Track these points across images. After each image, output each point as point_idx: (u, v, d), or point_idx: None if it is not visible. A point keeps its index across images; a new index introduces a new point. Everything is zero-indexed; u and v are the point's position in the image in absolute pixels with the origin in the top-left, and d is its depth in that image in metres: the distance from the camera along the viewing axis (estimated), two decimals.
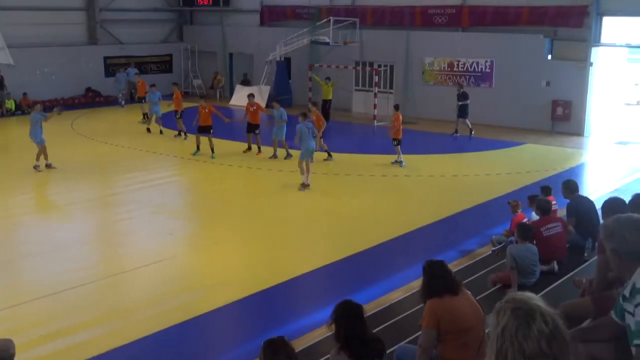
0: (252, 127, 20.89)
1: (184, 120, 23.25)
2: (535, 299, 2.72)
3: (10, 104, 28.47)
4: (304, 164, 16.76)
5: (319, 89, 27.72)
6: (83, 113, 29.04)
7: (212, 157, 20.28)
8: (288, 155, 20.10)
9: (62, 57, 30.86)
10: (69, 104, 30.49)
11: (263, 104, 28.58)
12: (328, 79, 27.12)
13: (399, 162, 19.28)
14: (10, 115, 28.22)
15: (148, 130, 24.55)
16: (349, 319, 5.45)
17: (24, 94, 28.78)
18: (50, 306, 10.24)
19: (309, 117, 18.03)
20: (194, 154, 20.71)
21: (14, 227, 14.52)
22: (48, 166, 18.71)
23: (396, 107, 19.90)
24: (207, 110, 20.79)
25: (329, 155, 19.94)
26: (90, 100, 31.63)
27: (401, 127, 19.16)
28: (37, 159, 18.63)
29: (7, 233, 14.23)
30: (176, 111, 23.60)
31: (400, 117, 19.42)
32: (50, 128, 24.84)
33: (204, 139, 20.54)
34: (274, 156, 20.23)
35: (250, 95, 21.58)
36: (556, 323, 2.64)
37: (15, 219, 14.98)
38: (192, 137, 21.62)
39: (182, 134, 23.35)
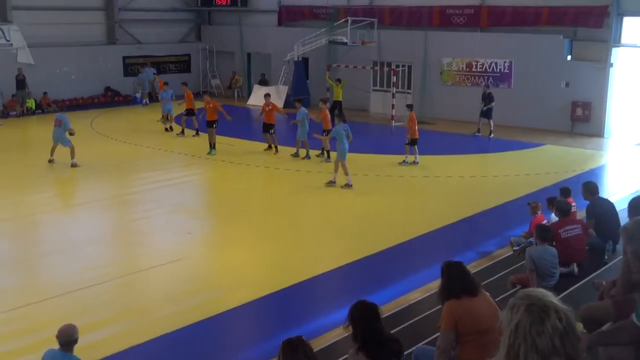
0: (267, 127, 20.99)
1: (196, 118, 23.57)
2: (549, 295, 2.70)
3: (30, 103, 28.70)
4: (340, 164, 16.86)
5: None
6: (102, 112, 29.22)
7: (212, 154, 20.62)
8: (307, 156, 20.15)
9: (82, 57, 31.07)
10: (88, 103, 30.72)
11: (281, 104, 28.77)
12: (339, 80, 27.19)
13: (409, 163, 19.35)
14: (31, 114, 28.43)
15: (168, 129, 24.65)
16: (365, 320, 5.43)
17: (44, 93, 29.00)
18: (68, 304, 10.28)
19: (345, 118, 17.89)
20: (210, 149, 21.07)
21: (32, 225, 14.62)
22: (73, 165, 19.03)
23: (410, 107, 19.92)
24: (211, 105, 21.23)
25: (328, 156, 19.96)
26: (109, 99, 31.81)
27: (416, 127, 19.24)
28: (73, 156, 19.07)
29: (25, 231, 14.34)
30: (189, 109, 23.91)
31: (414, 116, 19.51)
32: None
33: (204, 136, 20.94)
34: (296, 154, 20.32)
35: (267, 95, 21.75)
36: (569, 320, 2.63)
37: (34, 217, 15.09)
38: (204, 136, 21.73)
39: (195, 131, 23.58)
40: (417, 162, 19.34)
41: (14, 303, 10.27)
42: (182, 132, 23.91)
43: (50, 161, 19.25)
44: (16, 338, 9.22)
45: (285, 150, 20.71)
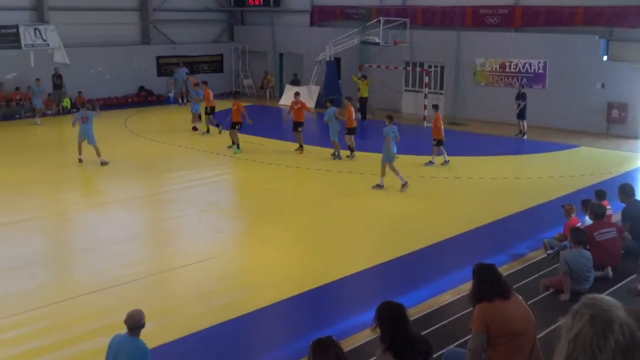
0: (296, 125, 21.15)
1: (214, 116, 24.24)
2: (616, 307, 2.56)
3: (66, 102, 29.13)
4: (383, 165, 16.72)
5: (368, 88, 27.85)
6: (135, 112, 29.55)
7: (237, 152, 21.07)
8: (337, 156, 20.16)
9: (116, 57, 31.45)
10: (122, 103, 31.09)
11: (312, 104, 28.89)
12: (364, 77, 27.29)
13: (436, 164, 19.34)
14: (66, 113, 28.84)
15: (195, 128, 24.87)
16: (392, 320, 5.40)
17: (79, 92, 29.40)
18: (100, 301, 10.40)
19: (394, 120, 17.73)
20: (230, 147, 21.53)
21: (66, 222, 14.84)
22: (102, 162, 19.31)
23: (436, 107, 19.90)
24: (235, 107, 21.65)
25: (352, 152, 20.38)
26: (143, 99, 32.14)
27: (442, 128, 19.33)
28: (99, 155, 19.29)
29: (60, 229, 14.57)
30: (206, 107, 24.34)
31: (440, 117, 19.58)
32: (104, 126, 25.37)
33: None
34: (337, 156, 20.34)
35: (297, 94, 22.07)
36: (633, 335, 2.50)
37: (68, 214, 15.30)
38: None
39: (218, 127, 24.10)
40: (448, 162, 19.33)
41: (49, 299, 10.42)
42: (207, 131, 24.28)
43: (80, 160, 19.46)
44: (50, 334, 9.35)
45: (315, 150, 20.70)
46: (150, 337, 9.12)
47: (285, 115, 21.66)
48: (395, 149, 16.76)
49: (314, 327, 9.37)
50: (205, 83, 25.81)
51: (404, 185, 16.60)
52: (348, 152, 20.45)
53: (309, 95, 30.39)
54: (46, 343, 9.03)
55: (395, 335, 5.34)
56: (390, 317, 5.42)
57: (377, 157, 20.43)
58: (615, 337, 2.46)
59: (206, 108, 24.35)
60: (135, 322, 6.53)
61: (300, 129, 21.08)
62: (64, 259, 12.70)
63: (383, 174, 16.75)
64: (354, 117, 20.62)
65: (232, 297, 10.62)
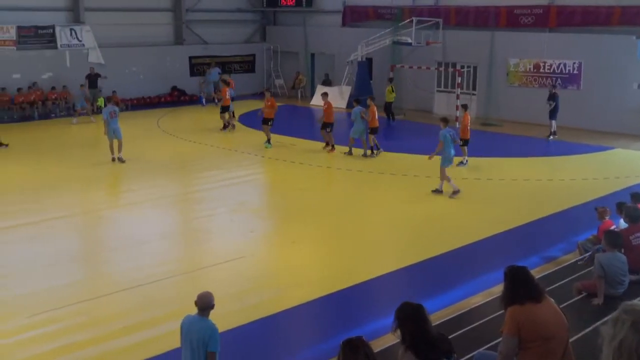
0: (325, 125, 21.38)
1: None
2: None
3: (100, 102, 29.45)
4: (446, 171, 16.28)
5: (399, 89, 27.85)
6: (168, 111, 29.80)
7: (268, 146, 21.60)
8: (363, 154, 20.52)
9: (150, 57, 31.78)
10: (155, 102, 31.38)
11: (344, 105, 28.94)
12: (390, 80, 27.28)
13: (463, 163, 19.23)
14: (100, 112, 29.13)
15: (229, 126, 25.10)
16: (411, 321, 5.36)
17: (113, 92, 29.71)
18: (132, 299, 10.52)
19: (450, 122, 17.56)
20: (265, 142, 21.87)
21: (99, 221, 15.02)
22: (120, 159, 19.62)
23: (464, 107, 19.78)
24: (269, 104, 22.00)
25: (378, 149, 20.63)
26: (176, 98, 32.40)
27: (468, 127, 19.30)
28: (120, 151, 19.58)
29: (93, 226, 14.75)
30: (223, 106, 25.07)
31: (469, 117, 19.55)
32: (137, 125, 25.70)
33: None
34: (364, 154, 20.62)
35: (324, 94, 22.33)
36: None
37: (101, 212, 15.49)
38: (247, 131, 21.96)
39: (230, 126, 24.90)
40: (465, 163, 19.28)
41: (81, 296, 10.56)
42: (224, 127, 24.90)
43: (114, 159, 19.67)
44: (82, 330, 9.46)
45: (346, 150, 20.70)
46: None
47: (320, 118, 21.71)
48: (453, 152, 16.39)
49: (343, 327, 9.35)
50: (224, 81, 26.53)
51: (438, 191, 16.31)
52: (370, 152, 20.60)
53: (341, 95, 30.39)
54: (78, 340, 9.14)
55: (415, 335, 5.31)
56: (410, 318, 5.38)
57: (405, 157, 20.51)
58: None
59: (222, 107, 25.05)
60: (204, 304, 6.94)
61: (329, 129, 21.10)
62: (96, 256, 12.85)
63: (442, 178, 16.32)
64: (376, 116, 20.70)
65: (262, 297, 10.66)
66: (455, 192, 16.12)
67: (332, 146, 21.17)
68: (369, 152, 20.58)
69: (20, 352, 8.81)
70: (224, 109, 24.89)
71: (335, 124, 21.67)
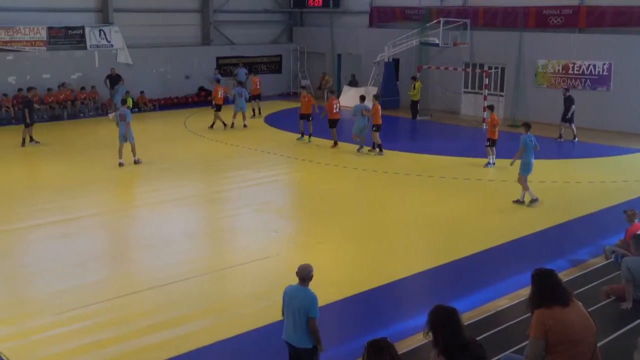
0: (332, 123, 22.12)
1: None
2: None
3: (128, 102, 29.73)
4: (524, 178, 15.51)
5: (426, 90, 27.81)
6: (195, 111, 29.96)
7: (309, 141, 22.52)
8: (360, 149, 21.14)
9: (177, 57, 32.01)
10: (182, 103, 31.58)
11: (370, 105, 28.97)
12: (414, 78, 27.28)
13: (490, 164, 19.22)
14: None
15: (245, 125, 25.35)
16: (445, 325, 5.32)
17: (141, 92, 30.02)
18: (158, 297, 10.59)
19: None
20: (299, 139, 22.84)
21: (127, 219, 15.16)
22: (135, 162, 19.64)
23: (491, 108, 19.70)
24: (306, 99, 22.74)
25: (380, 151, 20.83)
26: (202, 99, 32.56)
27: (497, 128, 19.25)
28: (135, 153, 19.67)
29: (120, 225, 14.89)
30: (217, 105, 25.60)
31: (496, 118, 19.49)
32: (164, 126, 25.91)
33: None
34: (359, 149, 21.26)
35: (331, 92, 23.48)
36: None
37: (128, 212, 15.63)
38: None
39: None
40: (492, 164, 19.25)
41: (109, 294, 10.66)
42: (224, 125, 25.50)
43: (121, 164, 19.36)
44: (110, 328, 9.54)
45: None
46: (206, 334, 9.28)
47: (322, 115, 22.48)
48: (533, 160, 15.53)
49: (368, 328, 9.34)
50: (217, 81, 27.34)
51: (534, 200, 15.45)
52: (369, 148, 21.05)
53: (367, 96, 30.28)
54: (105, 337, 9.22)
55: (448, 339, 5.27)
56: (443, 321, 5.34)
57: (431, 158, 20.44)
58: None
59: (216, 106, 25.62)
60: (304, 275, 7.61)
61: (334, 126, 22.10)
62: (123, 255, 12.97)
63: (524, 187, 15.52)
64: (380, 114, 20.88)
65: None
66: (534, 201, 15.44)
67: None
68: (367, 149, 21.03)
69: (48, 348, 8.93)
70: (218, 108, 25.55)
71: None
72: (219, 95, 25.61)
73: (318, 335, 7.38)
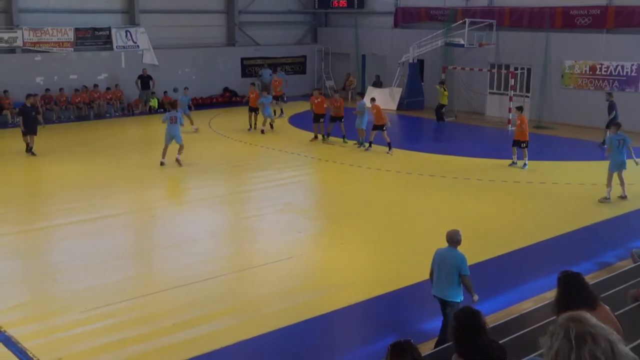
0: (333, 119, 22.84)
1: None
2: (588, 322, 2.70)
3: (153, 102, 29.98)
4: (616, 175, 15.82)
5: (450, 91, 27.69)
6: (220, 112, 30.10)
7: (345, 141, 22.60)
8: (362, 145, 21.76)
9: (202, 58, 32.17)
10: (207, 103, 31.71)
11: (394, 106, 29.03)
12: (442, 82, 27.11)
13: (516, 165, 19.17)
14: (154, 112, 29.67)
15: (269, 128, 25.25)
16: (467, 327, 5.27)
17: (165, 92, 30.19)
18: (181, 296, 10.64)
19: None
20: (324, 140, 23.04)
21: (152, 219, 15.25)
22: (177, 161, 19.68)
23: (520, 109, 19.54)
24: (318, 100, 23.01)
25: (369, 146, 21.37)
26: (227, 99, 32.69)
27: (527, 130, 19.11)
28: (179, 153, 19.70)
29: (145, 224, 14.99)
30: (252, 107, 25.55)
31: (525, 119, 19.39)
32: (189, 126, 26.00)
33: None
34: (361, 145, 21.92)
35: (335, 92, 24.60)
36: (612, 346, 2.60)
37: (153, 211, 15.73)
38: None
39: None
40: (516, 163, 19.21)
41: (132, 293, 10.73)
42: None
43: (162, 164, 19.54)
44: (133, 326, 9.61)
45: (396, 152, 20.57)
46: (229, 333, 9.30)
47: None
48: (621, 158, 15.72)
49: (391, 329, 9.31)
50: (252, 84, 27.56)
51: (607, 199, 15.77)
52: (367, 145, 21.51)
53: (391, 97, 30.29)
54: (130, 335, 9.29)
55: (468, 341, 5.23)
56: (465, 324, 5.30)
57: (455, 159, 20.33)
58: (589, 347, 2.60)
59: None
60: (453, 238, 8.83)
61: (334, 122, 22.75)
62: (147, 254, 13.06)
63: (622, 183, 15.92)
64: (382, 115, 21.11)
65: (310, 297, 10.66)
66: (606, 199, 15.78)
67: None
68: (351, 142, 21.97)
69: (74, 345, 9.01)
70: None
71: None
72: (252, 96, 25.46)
73: (472, 288, 8.61)
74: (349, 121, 22.67)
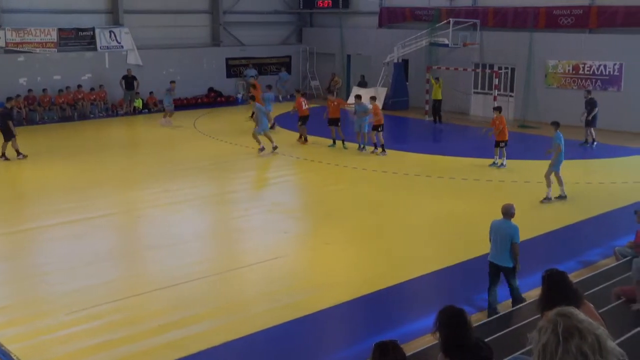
0: (332, 121, 22.34)
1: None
2: (576, 317, 2.74)
3: (138, 103, 29.86)
4: (553, 174, 15.97)
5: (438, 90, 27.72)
6: (205, 112, 30.04)
7: (344, 148, 21.92)
8: (363, 149, 21.41)
9: (187, 58, 32.10)
10: (192, 104, 31.63)
11: (380, 106, 28.99)
12: (437, 79, 27.11)
13: (497, 165, 19.28)
14: (138, 113, 29.56)
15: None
16: (451, 326, 5.30)
17: (150, 93, 30.10)
18: (168, 298, 10.62)
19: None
20: (330, 146, 22.31)
21: (137, 220, 15.21)
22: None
23: (498, 110, 19.61)
24: (335, 104, 22.46)
25: (383, 150, 20.95)
26: (212, 100, 32.64)
27: (506, 129, 19.30)
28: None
29: (131, 226, 14.94)
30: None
31: (504, 119, 19.51)
32: (174, 127, 25.95)
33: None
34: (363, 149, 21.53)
35: (330, 93, 24.12)
36: (599, 340, 2.66)
37: (139, 212, 15.68)
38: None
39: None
40: (497, 164, 19.27)
41: (119, 294, 10.70)
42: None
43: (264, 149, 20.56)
44: (120, 328, 9.58)
45: (388, 152, 20.65)
46: (216, 334, 9.30)
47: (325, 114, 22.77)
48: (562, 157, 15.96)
49: (377, 329, 9.33)
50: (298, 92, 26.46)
51: (548, 199, 15.81)
52: (372, 148, 21.20)
53: (377, 96, 30.30)
54: (115, 337, 9.26)
55: (454, 340, 5.26)
56: (450, 322, 5.33)
57: (441, 159, 20.42)
58: (575, 342, 2.65)
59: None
60: (507, 211, 9.87)
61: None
62: (133, 255, 13.02)
63: (560, 182, 15.97)
64: (381, 115, 21.06)
65: (296, 297, 10.67)
66: (548, 199, 15.80)
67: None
68: (370, 149, 21.22)
69: (59, 348, 8.97)
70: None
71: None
72: (303, 107, 23.36)
73: (518, 257, 9.64)
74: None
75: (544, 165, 18.71)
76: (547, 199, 15.84)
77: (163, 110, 27.13)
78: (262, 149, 20.68)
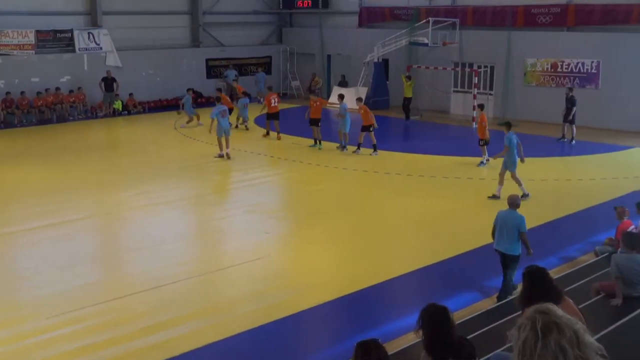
0: (313, 121, 22.27)
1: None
2: (554, 313, 2.79)
3: (117, 105, 29.65)
4: (511, 175, 15.88)
5: (416, 89, 27.85)
6: (185, 114, 29.82)
7: (319, 148, 21.89)
8: (344, 148, 21.38)
9: (166, 59, 31.92)
10: (172, 105, 31.46)
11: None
12: (409, 77, 27.26)
13: (483, 163, 19.32)
14: (117, 115, 29.36)
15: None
16: (434, 323, 5.32)
17: (130, 94, 29.92)
18: (150, 300, 10.58)
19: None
20: (311, 146, 22.26)
21: (117, 222, 15.12)
22: (227, 155, 20.48)
23: (481, 107, 19.69)
24: (318, 104, 22.44)
25: (375, 149, 20.81)
26: (193, 101, 32.41)
27: (487, 127, 19.23)
28: (228, 147, 20.58)
29: (110, 228, 14.86)
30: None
31: (485, 117, 19.43)
32: (154, 128, 25.85)
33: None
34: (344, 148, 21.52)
35: (312, 92, 24.48)
36: (577, 335, 2.71)
37: (118, 214, 15.59)
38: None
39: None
40: (484, 163, 19.30)
41: (101, 297, 10.63)
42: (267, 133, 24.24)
43: (226, 155, 20.49)
44: (102, 331, 9.52)
45: (368, 152, 20.67)
46: (199, 335, 9.27)
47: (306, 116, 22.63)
48: (517, 157, 15.94)
49: (359, 328, 9.36)
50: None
51: (526, 195, 15.38)
52: (355, 148, 21.16)
53: (357, 96, 30.33)
54: (97, 341, 9.21)
55: (437, 338, 5.28)
56: (433, 320, 5.35)
57: (421, 158, 20.51)
58: (554, 337, 2.69)
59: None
60: (513, 202, 10.29)
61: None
62: (114, 258, 12.94)
63: (501, 182, 15.87)
64: (370, 115, 20.94)
65: (278, 298, 10.68)
66: (525, 196, 15.31)
67: (320, 141, 22.13)
68: (352, 148, 21.16)
69: (39, 352, 8.90)
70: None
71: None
72: (272, 104, 23.73)
73: (528, 243, 10.04)
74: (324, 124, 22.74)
75: (524, 162, 18.89)
76: (494, 196, 15.68)
77: (143, 112, 26.98)
78: (222, 155, 20.58)
